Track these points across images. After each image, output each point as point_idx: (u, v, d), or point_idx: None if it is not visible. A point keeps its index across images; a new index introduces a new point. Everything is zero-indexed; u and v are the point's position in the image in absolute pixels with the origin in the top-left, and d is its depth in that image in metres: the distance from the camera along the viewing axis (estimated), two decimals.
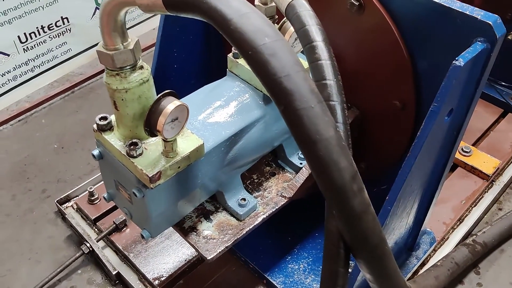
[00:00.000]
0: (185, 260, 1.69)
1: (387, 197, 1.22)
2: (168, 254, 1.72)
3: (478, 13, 1.10)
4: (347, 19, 1.33)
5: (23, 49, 2.25)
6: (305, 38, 0.97)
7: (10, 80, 2.29)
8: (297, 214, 1.76)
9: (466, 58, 1.07)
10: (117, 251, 1.75)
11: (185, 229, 1.34)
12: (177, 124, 1.01)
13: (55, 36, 2.34)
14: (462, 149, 2.03)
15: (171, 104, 0.97)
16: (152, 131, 0.98)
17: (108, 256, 1.72)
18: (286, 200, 1.42)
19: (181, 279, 1.65)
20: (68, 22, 2.37)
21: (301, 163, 1.49)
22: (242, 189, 1.38)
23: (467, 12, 1.10)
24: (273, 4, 1.24)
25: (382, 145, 1.50)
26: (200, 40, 1.79)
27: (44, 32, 2.30)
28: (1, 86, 2.28)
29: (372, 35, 1.31)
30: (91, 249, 1.72)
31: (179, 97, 1.01)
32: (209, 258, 1.29)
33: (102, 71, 2.60)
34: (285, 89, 0.75)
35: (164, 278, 1.65)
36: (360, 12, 1.28)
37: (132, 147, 1.04)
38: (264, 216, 1.38)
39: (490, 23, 1.07)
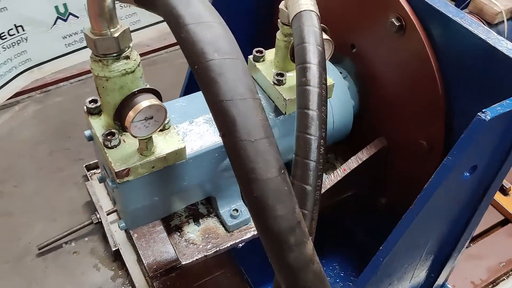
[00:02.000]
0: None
1: (381, 247, 1.08)
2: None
3: None
4: (387, 38, 1.18)
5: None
6: (300, 56, 0.86)
7: (77, 42, 2.37)
8: None
9: (496, 111, 0.89)
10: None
11: (171, 226, 1.30)
12: (152, 123, 0.95)
13: (125, 6, 2.37)
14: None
15: (145, 101, 0.91)
16: (122, 125, 0.93)
17: (114, 231, 1.73)
18: None
19: (174, 272, 1.62)
20: None
21: None
22: (239, 199, 1.30)
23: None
24: None
25: (405, 184, 1.34)
26: (248, 19, 1.68)
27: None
28: (69, 45, 2.36)
29: (408, 60, 1.15)
30: (99, 220, 1.74)
31: (161, 98, 0.95)
32: (183, 263, 1.24)
33: (168, 46, 2.62)
34: (227, 115, 0.66)
35: (158, 266, 1.62)
36: (400, 33, 1.13)
37: (108, 137, 1.00)
38: (255, 233, 1.29)
39: None
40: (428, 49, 1.08)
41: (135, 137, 0.95)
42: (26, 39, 2.18)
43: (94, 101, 1.06)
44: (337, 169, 1.33)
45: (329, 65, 1.33)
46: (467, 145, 0.91)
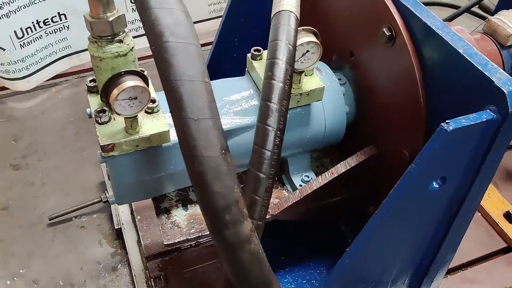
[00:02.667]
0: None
1: (347, 249, 1.11)
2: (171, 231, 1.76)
3: (500, 76, 0.92)
4: (379, 48, 1.20)
5: (132, 9, 2.44)
6: (271, 52, 0.92)
7: None
8: (298, 236, 1.67)
9: (459, 123, 0.90)
10: (132, 210, 1.86)
11: (160, 208, 1.37)
12: (137, 104, 1.02)
13: None
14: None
15: (130, 82, 0.98)
16: (107, 102, 1.01)
17: (120, 211, 1.83)
18: (268, 216, 1.36)
19: (168, 256, 1.69)
20: None
21: (300, 185, 1.41)
22: None
23: (486, 73, 0.93)
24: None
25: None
26: (264, 35, 1.76)
27: None
28: None
29: (396, 71, 1.17)
30: (108, 199, 1.84)
31: (148, 82, 1.03)
32: (165, 243, 1.30)
33: (201, 45, 2.72)
34: (174, 94, 0.72)
35: (154, 248, 1.70)
36: (390, 43, 1.15)
37: (100, 113, 1.09)
38: None
39: (505, 91, 0.89)
40: (414, 61, 1.10)
41: (119, 114, 1.02)
42: (68, 27, 2.34)
43: (94, 80, 1.15)
44: (325, 173, 1.35)
45: (327, 70, 1.37)
46: (430, 154, 0.93)
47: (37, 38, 2.26)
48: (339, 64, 1.41)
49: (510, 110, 0.89)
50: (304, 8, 1.51)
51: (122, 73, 1.00)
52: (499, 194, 1.88)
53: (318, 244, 1.66)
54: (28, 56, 2.26)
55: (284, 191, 1.43)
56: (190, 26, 0.75)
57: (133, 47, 1.05)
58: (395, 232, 1.11)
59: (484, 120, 0.91)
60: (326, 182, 1.35)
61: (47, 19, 2.26)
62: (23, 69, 2.26)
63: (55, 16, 2.27)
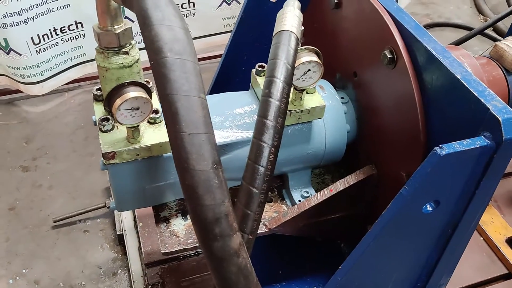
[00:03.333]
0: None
1: (340, 266, 1.12)
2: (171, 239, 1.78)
3: (495, 104, 0.93)
4: (380, 69, 1.22)
5: None
6: (270, 70, 0.94)
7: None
8: (297, 252, 1.68)
9: (453, 149, 0.91)
10: (134, 216, 1.88)
11: (160, 217, 1.39)
12: (139, 114, 1.05)
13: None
14: None
15: (133, 92, 1.01)
16: (110, 111, 1.04)
17: (123, 217, 1.86)
18: (265, 230, 1.38)
19: (167, 264, 1.71)
20: (194, 6, 2.55)
21: (299, 200, 1.42)
22: None
23: (482, 99, 0.94)
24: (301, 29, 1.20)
25: None
26: None
27: None
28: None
29: (397, 93, 1.18)
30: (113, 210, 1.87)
31: (151, 93, 1.05)
32: (163, 252, 1.32)
33: (212, 57, 2.76)
34: (170, 107, 0.74)
35: (154, 256, 1.72)
36: (392, 65, 1.17)
37: (103, 122, 1.12)
38: None
39: (500, 119, 0.90)
40: (414, 84, 1.11)
41: (121, 124, 1.05)
42: (84, 36, 2.39)
43: (100, 89, 1.19)
44: (324, 189, 1.37)
45: (330, 89, 1.39)
46: (422, 177, 0.94)
47: (53, 45, 2.32)
48: (343, 83, 1.43)
49: (504, 138, 0.90)
50: (311, 27, 1.55)
51: (126, 83, 1.03)
52: (503, 219, 1.86)
53: (317, 260, 1.67)
54: (43, 62, 2.31)
55: (283, 205, 1.45)
56: (189, 42, 0.78)
57: (138, 59, 1.08)
58: (387, 252, 1.11)
59: (478, 146, 0.92)
60: (324, 198, 1.36)
61: (64, 27, 2.31)
62: (38, 74, 2.32)
63: (72, 24, 2.33)
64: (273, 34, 1.01)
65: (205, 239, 0.77)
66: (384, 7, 1.19)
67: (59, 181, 2.05)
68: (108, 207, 1.87)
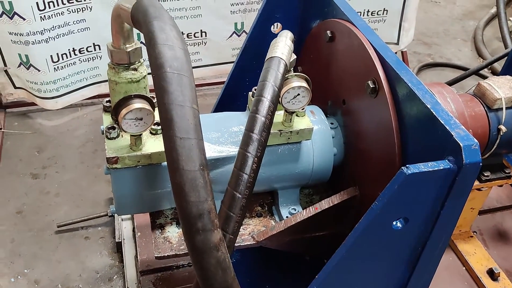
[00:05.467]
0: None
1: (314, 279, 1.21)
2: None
3: (458, 131, 1.04)
4: (364, 98, 1.34)
5: None
6: (259, 90, 1.06)
7: None
8: (286, 267, 1.77)
9: (418, 169, 1.02)
10: (134, 226, 1.98)
11: (156, 223, 1.49)
12: (142, 124, 1.17)
13: (190, 44, 2.71)
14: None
15: (138, 104, 1.13)
16: (116, 119, 1.16)
17: (123, 227, 1.96)
18: (253, 242, 1.47)
19: (160, 273, 1.80)
20: (206, 36, 2.71)
21: (287, 216, 1.52)
22: None
23: (447, 127, 1.05)
24: (293, 58, 1.33)
25: None
26: None
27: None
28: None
29: (378, 119, 1.30)
30: (112, 214, 1.97)
31: (154, 106, 1.17)
32: (156, 256, 1.42)
33: (221, 83, 2.90)
34: (166, 115, 0.86)
35: (149, 264, 1.81)
36: (374, 95, 1.29)
37: (110, 130, 1.24)
38: None
39: (461, 145, 1.01)
40: (392, 112, 1.22)
41: (125, 132, 1.17)
42: (100, 57, 2.55)
43: (109, 101, 1.32)
44: (310, 207, 1.46)
45: (320, 115, 1.50)
46: (390, 194, 1.04)
47: (70, 64, 2.47)
48: (333, 110, 1.54)
49: (464, 162, 1.00)
50: (308, 58, 1.68)
51: (132, 96, 1.15)
52: (485, 251, 1.94)
53: (304, 276, 1.74)
54: (60, 79, 2.47)
55: (271, 220, 1.54)
56: (187, 61, 0.90)
57: (145, 75, 1.21)
58: (360, 265, 1.20)
59: (441, 168, 1.02)
60: (310, 215, 1.45)
61: (83, 48, 2.48)
62: (54, 90, 2.47)
63: (90, 46, 2.49)
64: (265, 60, 1.13)
65: (189, 232, 0.87)
66: (371, 43, 1.32)
67: (66, 190, 2.17)
68: (111, 216, 1.98)
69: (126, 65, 1.18)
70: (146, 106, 1.15)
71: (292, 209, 1.53)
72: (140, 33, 1.00)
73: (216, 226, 0.89)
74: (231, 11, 2.64)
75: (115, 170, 1.26)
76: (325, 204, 1.46)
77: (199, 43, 2.71)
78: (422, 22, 3.62)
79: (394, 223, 1.11)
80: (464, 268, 1.91)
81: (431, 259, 1.23)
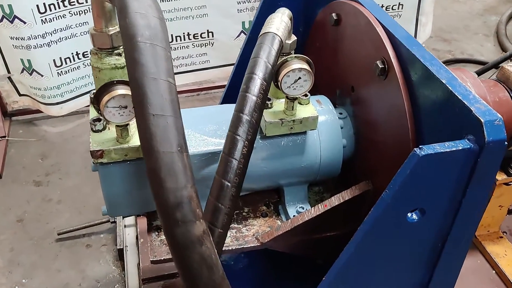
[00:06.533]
0: None
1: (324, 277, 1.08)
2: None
3: (478, 106, 0.90)
4: (374, 81, 1.22)
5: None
6: (250, 67, 0.95)
7: None
8: (295, 273, 1.64)
9: (433, 149, 0.89)
10: (137, 233, 1.88)
11: (152, 225, 1.39)
12: (127, 113, 1.07)
13: (197, 45, 2.62)
14: None
15: (121, 90, 1.03)
16: (99, 109, 1.06)
17: (127, 233, 1.86)
18: (257, 244, 1.35)
19: (163, 281, 1.69)
20: (213, 36, 2.62)
21: (294, 216, 1.40)
22: None
23: (466, 102, 0.92)
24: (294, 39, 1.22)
25: None
26: None
27: (189, 39, 2.59)
28: None
29: (389, 104, 1.17)
30: (115, 220, 1.88)
31: None
32: (151, 259, 1.31)
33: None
34: (137, 89, 0.76)
35: (152, 272, 1.71)
36: (383, 77, 1.16)
37: (94, 122, 1.15)
38: (226, 249, 1.33)
39: (482, 120, 0.87)
40: (404, 93, 1.10)
41: (109, 122, 1.07)
42: None
43: None
44: (318, 204, 1.34)
45: (328, 104, 1.38)
46: (402, 180, 0.91)
47: (74, 69, 2.42)
48: (342, 99, 1.42)
49: (486, 140, 0.87)
50: (314, 47, 1.57)
51: (115, 81, 1.05)
52: None
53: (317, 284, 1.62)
54: (64, 84, 2.41)
55: (278, 220, 1.42)
56: (162, 30, 0.80)
57: None
58: (371, 266, 1.07)
59: (460, 148, 0.89)
60: (318, 213, 1.33)
61: (86, 51, 2.42)
62: (58, 95, 2.41)
63: None
64: (259, 34, 1.02)
65: (167, 224, 0.76)
66: (378, 20, 1.20)
67: (68, 196, 2.09)
68: (113, 222, 1.89)
69: (109, 50, 1.09)
70: (130, 92, 1.05)
71: (300, 207, 1.41)
72: None
73: (198, 216, 0.77)
74: (238, 10, 2.55)
75: (103, 166, 1.17)
76: (335, 200, 1.33)
77: (206, 44, 2.63)
78: (440, 18, 3.47)
79: (409, 215, 0.98)
80: (494, 271, 1.75)
81: (453, 258, 1.09)
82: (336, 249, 1.48)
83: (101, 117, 1.15)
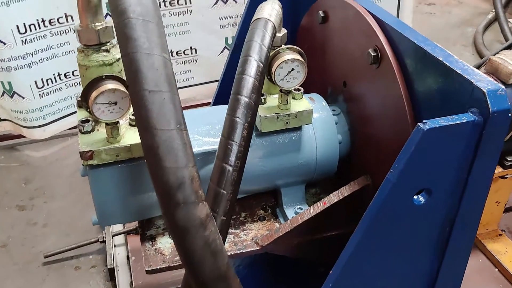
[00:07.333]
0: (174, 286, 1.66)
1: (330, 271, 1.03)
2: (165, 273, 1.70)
3: (479, 78, 0.89)
4: (367, 72, 1.20)
5: None
6: (245, 51, 0.93)
7: None
8: (289, 273, 1.58)
9: (437, 123, 0.86)
10: (128, 253, 1.81)
11: (146, 235, 1.33)
12: (117, 110, 1.03)
13: (180, 63, 2.61)
14: None
15: (111, 84, 0.99)
16: (88, 107, 1.02)
17: (117, 253, 1.79)
18: (256, 248, 1.30)
19: None
20: (196, 53, 2.62)
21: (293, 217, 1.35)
22: None
23: (465, 76, 0.90)
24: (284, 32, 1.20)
25: None
26: None
27: (173, 56, 2.57)
28: None
29: (384, 93, 1.15)
30: (104, 239, 1.81)
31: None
32: (147, 269, 1.25)
33: None
34: (130, 65, 0.72)
35: None
36: (376, 65, 1.15)
37: (83, 123, 1.10)
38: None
39: (484, 91, 0.86)
40: (399, 79, 1.08)
41: (98, 119, 1.03)
42: None
43: None
44: (317, 203, 1.30)
45: (321, 101, 1.36)
46: (408, 157, 0.88)
47: (57, 90, 2.37)
48: (334, 97, 1.41)
49: (491, 111, 0.85)
50: (303, 49, 1.56)
51: (104, 77, 1.01)
52: None
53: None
54: (46, 106, 2.35)
55: (276, 224, 1.37)
56: (153, 7, 0.77)
57: (119, 58, 1.08)
58: (379, 254, 1.03)
59: (464, 121, 0.87)
60: (318, 212, 1.29)
61: (68, 72, 2.38)
62: (40, 118, 2.35)
63: (76, 70, 2.39)
64: (252, 20, 1.00)
65: (167, 206, 0.71)
66: (367, 10, 1.19)
67: (54, 219, 2.01)
68: (102, 241, 1.81)
69: (96, 47, 1.06)
70: (121, 87, 1.01)
71: (298, 208, 1.37)
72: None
73: (201, 198, 0.73)
74: (220, 25, 2.55)
75: (93, 169, 1.12)
76: (334, 197, 1.29)
77: (190, 61, 2.61)
78: (420, 31, 3.53)
79: (416, 197, 0.95)
80: (496, 269, 1.71)
81: (462, 243, 1.05)
82: (338, 250, 1.44)
83: (89, 117, 1.11)
